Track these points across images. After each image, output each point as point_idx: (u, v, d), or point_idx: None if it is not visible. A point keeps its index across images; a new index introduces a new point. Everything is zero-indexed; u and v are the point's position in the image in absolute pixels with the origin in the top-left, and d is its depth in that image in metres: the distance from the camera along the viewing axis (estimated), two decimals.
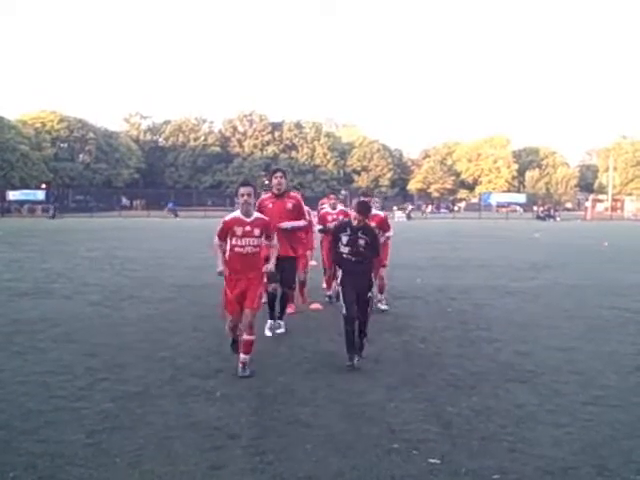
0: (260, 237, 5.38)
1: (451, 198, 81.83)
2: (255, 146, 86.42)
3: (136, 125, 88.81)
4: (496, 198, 75.97)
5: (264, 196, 6.90)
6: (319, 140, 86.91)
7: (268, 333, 6.77)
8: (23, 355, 5.92)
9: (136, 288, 10.39)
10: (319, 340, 6.72)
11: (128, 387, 4.95)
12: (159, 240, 23.55)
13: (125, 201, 75.73)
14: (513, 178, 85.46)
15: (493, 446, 3.82)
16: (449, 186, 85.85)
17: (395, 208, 55.82)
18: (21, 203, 59.21)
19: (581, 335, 6.97)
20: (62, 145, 76.69)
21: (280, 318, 6.93)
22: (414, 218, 50.95)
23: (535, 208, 64.69)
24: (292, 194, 7.04)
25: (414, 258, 15.33)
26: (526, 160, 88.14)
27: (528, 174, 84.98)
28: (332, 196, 9.39)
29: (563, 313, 8.35)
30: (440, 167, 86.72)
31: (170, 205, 59.68)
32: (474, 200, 78.93)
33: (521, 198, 76.64)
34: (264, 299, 6.28)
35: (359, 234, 5.60)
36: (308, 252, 8.91)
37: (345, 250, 5.62)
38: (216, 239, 5.40)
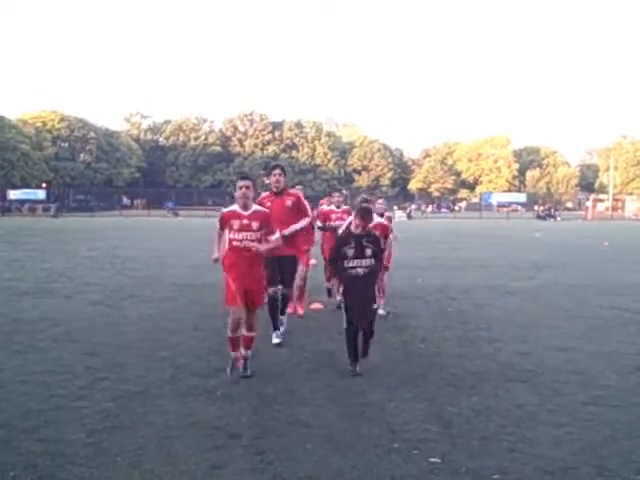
0: (259, 231, 5.17)
1: (452, 198, 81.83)
2: (256, 145, 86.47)
3: (137, 124, 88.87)
4: (497, 198, 75.97)
5: (263, 195, 6.62)
6: (319, 140, 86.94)
7: (276, 340, 6.45)
8: (23, 354, 5.92)
9: (137, 287, 10.40)
10: (319, 340, 6.72)
11: (128, 386, 4.95)
12: (160, 239, 23.57)
13: (126, 200, 75.79)
14: (514, 178, 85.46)
15: (493, 446, 3.82)
16: (450, 186, 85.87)
17: (395, 208, 55.83)
18: (22, 202, 59.27)
19: (581, 335, 6.97)
20: (63, 144, 76.78)
21: (282, 314, 6.69)
22: (415, 218, 50.96)
23: (536, 208, 64.70)
24: (291, 191, 6.80)
25: (414, 258, 15.32)
26: (527, 160, 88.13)
27: (529, 174, 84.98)
28: (337, 194, 8.99)
29: (563, 313, 8.35)
30: (440, 167, 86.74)
31: (170, 204, 59.70)
32: (475, 200, 78.96)
33: (522, 198, 76.65)
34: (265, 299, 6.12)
35: (364, 242, 5.33)
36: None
37: (352, 264, 5.29)
38: (217, 226, 5.33)
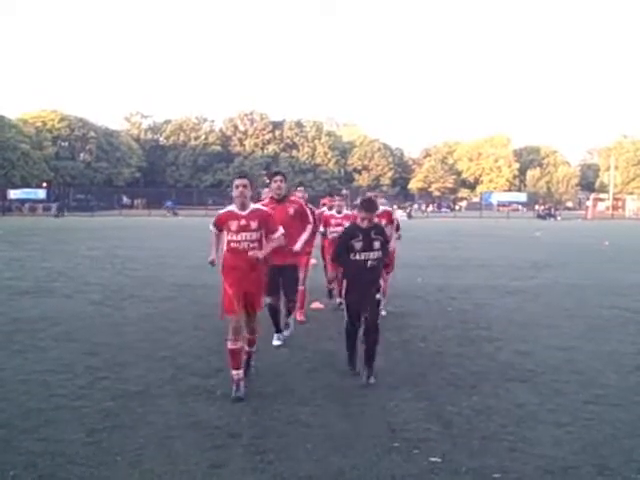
0: (258, 231, 4.89)
1: (452, 197, 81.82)
2: (256, 145, 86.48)
3: (137, 124, 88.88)
4: (497, 197, 75.99)
5: (264, 201, 6.41)
6: (320, 139, 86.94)
7: (276, 342, 6.39)
8: (23, 354, 5.92)
9: (137, 287, 10.40)
10: (319, 340, 6.72)
11: (129, 386, 4.95)
12: (160, 239, 23.57)
13: (126, 200, 75.77)
14: (514, 177, 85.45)
15: (494, 445, 3.82)
16: (450, 185, 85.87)
17: (395, 207, 55.83)
18: (22, 202, 59.28)
19: (581, 334, 6.96)
20: (63, 144, 76.79)
21: (288, 316, 6.55)
22: (415, 217, 50.96)
23: (536, 207, 64.71)
24: (293, 198, 6.61)
25: (415, 257, 15.31)
26: (527, 159, 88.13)
27: (529, 173, 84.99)
28: (337, 198, 8.57)
29: (563, 312, 8.34)
30: (441, 166, 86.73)
31: (169, 204, 59.65)
32: (475, 199, 79.00)
33: (522, 197, 76.66)
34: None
35: (372, 235, 5.08)
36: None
37: (360, 257, 5.05)
38: (213, 226, 5.04)
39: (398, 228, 8.19)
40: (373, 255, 5.07)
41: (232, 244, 4.88)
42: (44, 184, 65.45)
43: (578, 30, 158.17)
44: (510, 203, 74.11)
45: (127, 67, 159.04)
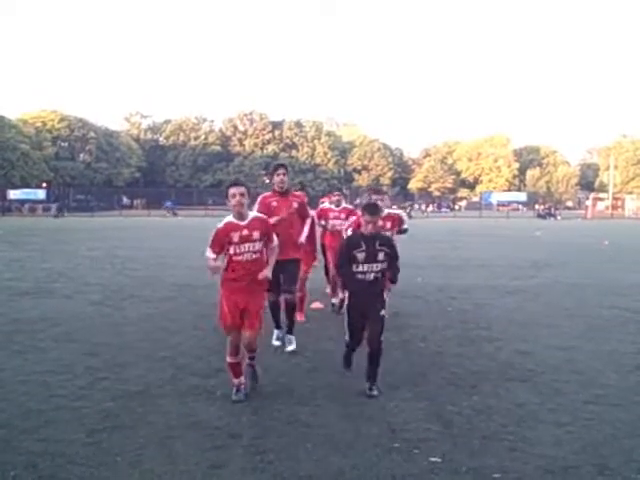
0: (261, 240, 4.63)
1: (452, 197, 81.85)
2: (256, 145, 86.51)
3: (137, 124, 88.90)
4: (497, 197, 76.03)
5: (266, 193, 6.29)
6: (319, 139, 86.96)
7: (276, 343, 6.35)
8: (23, 354, 5.92)
9: (137, 287, 10.40)
10: (319, 340, 6.72)
11: (129, 386, 4.95)
12: (160, 239, 23.56)
13: (126, 200, 75.79)
14: (514, 177, 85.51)
15: (494, 445, 3.82)
16: (450, 185, 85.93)
17: (395, 207, 55.80)
18: (22, 202, 59.29)
19: (581, 334, 6.96)
20: (63, 144, 76.82)
21: (290, 332, 6.21)
22: (415, 217, 50.95)
23: (536, 207, 64.74)
24: (296, 193, 6.59)
25: (414, 257, 15.30)
26: (527, 159, 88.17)
27: (529, 173, 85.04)
28: (337, 193, 8.77)
29: (563, 312, 8.34)
30: (441, 166, 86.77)
31: (168, 204, 59.64)
32: (475, 199, 79.03)
33: (522, 197, 76.71)
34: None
35: (377, 245, 4.78)
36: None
37: (362, 269, 4.76)
38: (209, 253, 4.58)
39: (402, 223, 7.98)
40: (377, 267, 4.79)
41: (235, 257, 4.57)
42: (44, 184, 65.46)
43: (578, 30, 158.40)
44: (510, 203, 74.18)
45: (127, 67, 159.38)
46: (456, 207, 74.22)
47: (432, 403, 4.61)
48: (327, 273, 8.74)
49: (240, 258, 4.57)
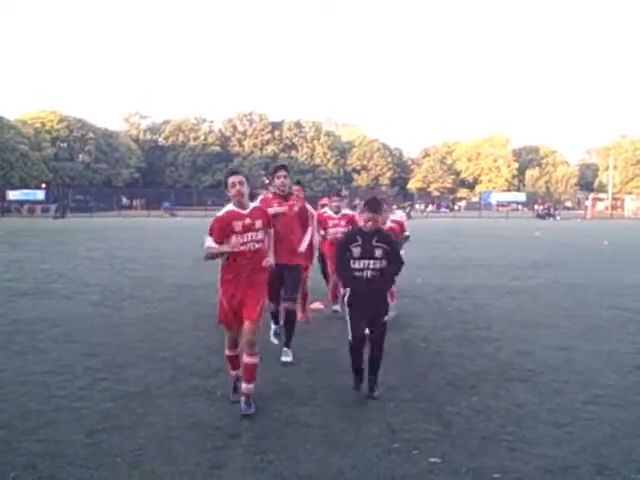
0: (262, 229, 4.50)
1: (451, 197, 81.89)
2: (255, 145, 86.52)
3: (136, 125, 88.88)
4: (496, 197, 76.11)
5: (268, 196, 6.13)
6: (319, 139, 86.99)
7: (274, 340, 6.24)
8: (23, 355, 5.92)
9: (136, 288, 10.39)
10: (319, 339, 6.72)
11: (128, 387, 4.95)
12: (159, 240, 23.56)
13: (125, 201, 75.75)
14: (513, 177, 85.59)
15: (493, 445, 3.82)
16: (449, 185, 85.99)
17: (394, 207, 55.76)
18: (21, 203, 59.24)
19: (581, 334, 6.97)
20: (62, 145, 76.81)
21: (287, 345, 5.93)
22: (414, 217, 50.96)
23: (535, 207, 64.78)
24: (297, 196, 6.34)
25: (414, 257, 15.29)
26: (526, 159, 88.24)
27: (528, 173, 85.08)
28: (335, 198, 8.05)
29: (563, 312, 8.34)
30: (440, 166, 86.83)
31: (166, 205, 59.62)
32: (474, 199, 79.08)
33: (521, 197, 76.81)
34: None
35: (374, 242, 4.54)
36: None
37: (358, 265, 4.55)
38: (210, 242, 4.42)
39: (403, 230, 7.76)
40: (374, 264, 4.55)
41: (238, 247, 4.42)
42: (43, 185, 65.42)
43: (577, 30, 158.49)
44: (509, 203, 74.23)
45: (126, 68, 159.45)
46: (455, 207, 74.23)
47: (432, 403, 4.61)
48: (326, 277, 8.64)
49: (243, 248, 4.40)
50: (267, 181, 6.50)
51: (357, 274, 4.60)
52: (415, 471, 3.47)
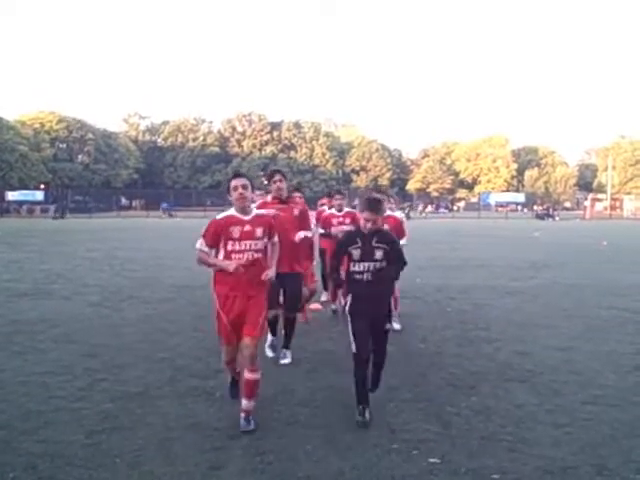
0: (263, 239, 4.23)
1: (450, 198, 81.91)
2: (254, 146, 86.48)
3: (135, 125, 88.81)
4: (495, 198, 76.16)
5: (267, 200, 6.03)
6: (318, 140, 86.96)
7: (269, 353, 6.02)
8: (23, 355, 5.92)
9: (135, 289, 10.39)
10: (319, 340, 6.72)
11: (128, 388, 4.95)
12: (158, 240, 23.55)
13: (124, 201, 75.70)
14: (512, 177, 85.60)
15: (493, 446, 3.83)
16: (448, 186, 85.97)
17: (393, 206, 55.66)
18: (20, 204, 59.23)
19: (580, 335, 6.97)
20: (61, 145, 76.71)
21: (286, 347, 5.92)
22: (413, 218, 50.99)
23: (535, 207, 64.84)
24: (296, 199, 6.28)
25: (413, 258, 15.28)
26: (525, 159, 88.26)
27: (527, 173, 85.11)
28: (338, 196, 8.04)
29: (562, 313, 8.35)
30: (439, 167, 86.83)
31: (164, 205, 59.59)
32: (473, 200, 79.08)
33: (520, 197, 76.87)
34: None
35: (374, 243, 4.32)
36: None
37: (359, 268, 4.32)
38: (201, 245, 4.23)
39: (402, 230, 7.62)
40: (374, 266, 4.32)
41: (233, 255, 4.14)
42: (42, 186, 65.38)
43: (576, 30, 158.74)
44: (508, 203, 74.25)
45: (125, 68, 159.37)
46: (454, 208, 74.26)
47: (431, 404, 4.61)
48: (325, 278, 8.64)
49: (239, 256, 4.11)
50: (266, 182, 6.38)
51: (357, 277, 4.34)
52: (415, 471, 3.48)
